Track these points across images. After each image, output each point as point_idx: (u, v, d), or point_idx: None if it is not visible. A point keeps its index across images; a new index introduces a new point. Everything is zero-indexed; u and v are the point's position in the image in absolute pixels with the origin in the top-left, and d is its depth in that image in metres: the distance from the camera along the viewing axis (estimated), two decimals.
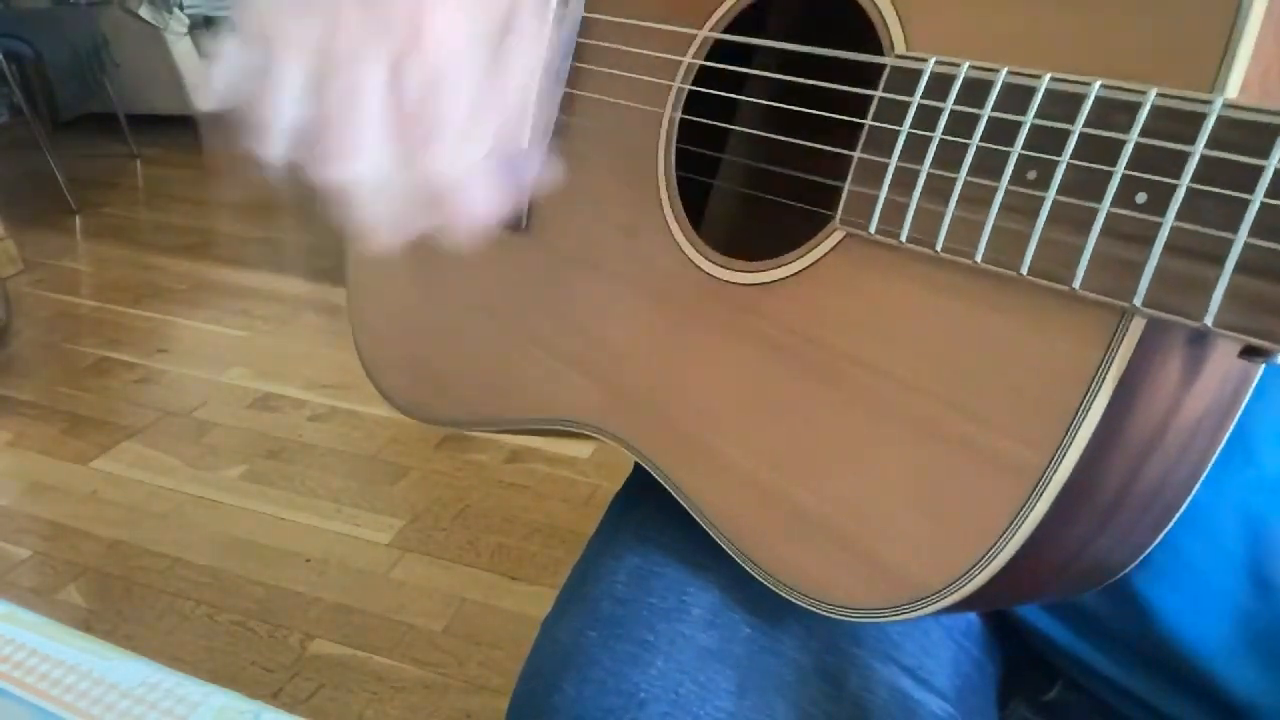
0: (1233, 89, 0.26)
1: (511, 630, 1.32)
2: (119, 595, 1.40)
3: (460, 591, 1.40)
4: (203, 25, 3.42)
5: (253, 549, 1.49)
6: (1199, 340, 0.29)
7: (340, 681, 1.25)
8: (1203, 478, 0.32)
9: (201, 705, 0.40)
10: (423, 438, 1.74)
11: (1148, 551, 0.34)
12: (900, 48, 0.35)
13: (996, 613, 0.48)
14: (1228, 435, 0.31)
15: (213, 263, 2.53)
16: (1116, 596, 0.38)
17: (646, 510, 0.49)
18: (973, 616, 0.48)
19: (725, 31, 0.43)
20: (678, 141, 0.44)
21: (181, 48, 3.38)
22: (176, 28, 3.35)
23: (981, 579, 0.32)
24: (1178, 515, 0.33)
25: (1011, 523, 0.30)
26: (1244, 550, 0.37)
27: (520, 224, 0.52)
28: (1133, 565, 0.34)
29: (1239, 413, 0.31)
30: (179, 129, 3.55)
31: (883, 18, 0.36)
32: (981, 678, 0.48)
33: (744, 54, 0.43)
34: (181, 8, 3.46)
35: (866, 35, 0.36)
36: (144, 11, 3.29)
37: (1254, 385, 0.31)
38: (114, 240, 2.71)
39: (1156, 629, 0.39)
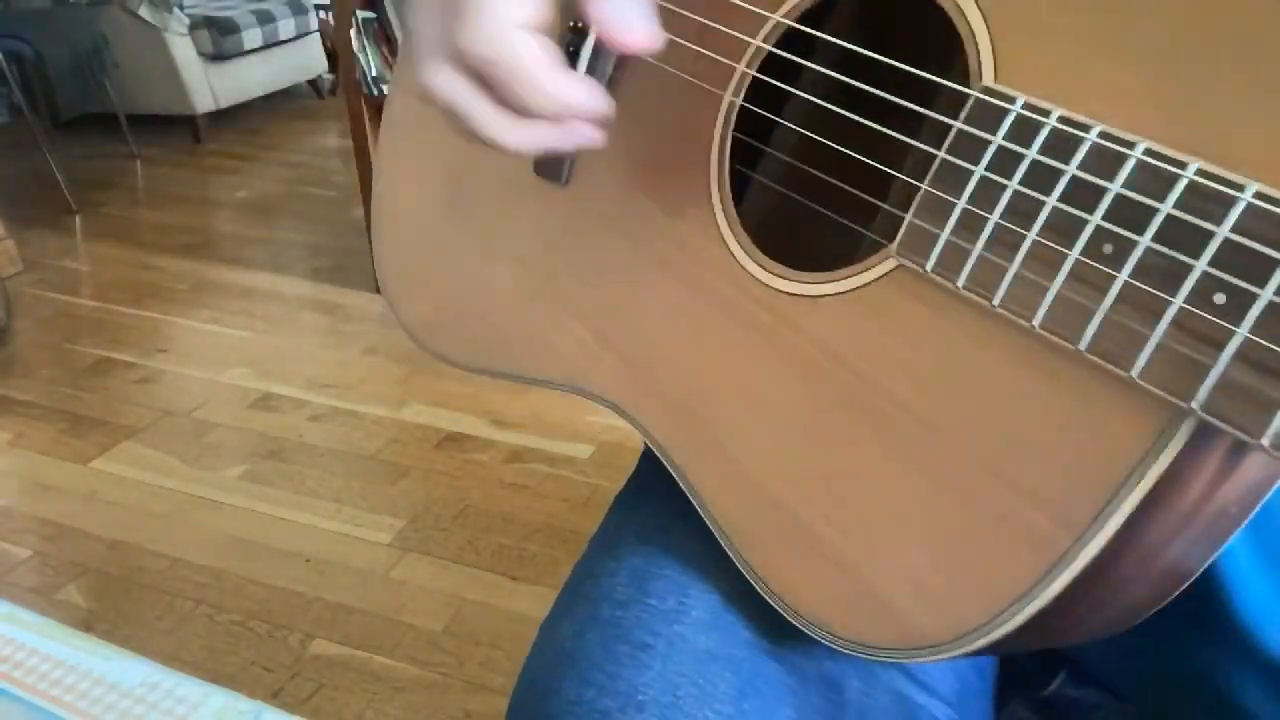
0: None
1: (511, 630, 1.32)
2: (119, 595, 1.40)
3: (460, 591, 1.39)
4: (203, 25, 3.41)
5: (253, 549, 1.48)
6: (1243, 445, 0.27)
7: (340, 681, 1.25)
8: (1219, 552, 0.31)
9: (201, 705, 0.40)
10: (423, 438, 1.74)
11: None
12: (988, 78, 0.32)
13: None
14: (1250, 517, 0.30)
15: (213, 263, 2.53)
16: None
17: (648, 511, 0.49)
18: None
19: (798, 21, 0.40)
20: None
21: (181, 48, 3.38)
22: (176, 28, 3.35)
23: (987, 640, 0.31)
24: (1185, 586, 0.32)
25: (1025, 594, 0.30)
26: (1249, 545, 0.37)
27: (561, 178, 0.50)
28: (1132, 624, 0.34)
29: (1265, 499, 0.30)
30: (179, 129, 3.55)
31: (974, 37, 0.32)
32: (981, 680, 0.48)
33: (809, 47, 0.41)
34: (181, 8, 3.46)
35: (950, 51, 0.34)
36: (144, 11, 3.29)
37: None
38: (114, 240, 2.70)
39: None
